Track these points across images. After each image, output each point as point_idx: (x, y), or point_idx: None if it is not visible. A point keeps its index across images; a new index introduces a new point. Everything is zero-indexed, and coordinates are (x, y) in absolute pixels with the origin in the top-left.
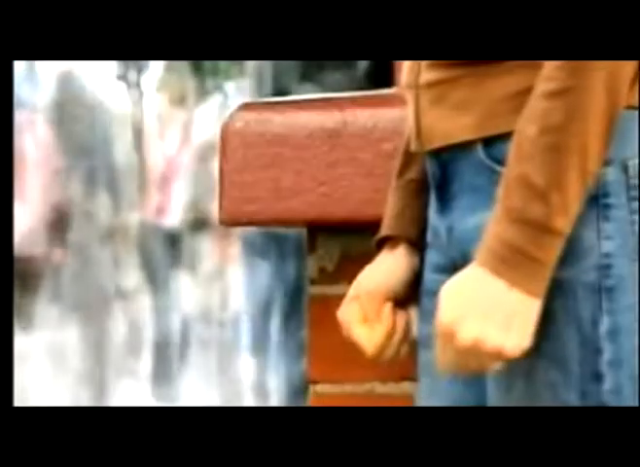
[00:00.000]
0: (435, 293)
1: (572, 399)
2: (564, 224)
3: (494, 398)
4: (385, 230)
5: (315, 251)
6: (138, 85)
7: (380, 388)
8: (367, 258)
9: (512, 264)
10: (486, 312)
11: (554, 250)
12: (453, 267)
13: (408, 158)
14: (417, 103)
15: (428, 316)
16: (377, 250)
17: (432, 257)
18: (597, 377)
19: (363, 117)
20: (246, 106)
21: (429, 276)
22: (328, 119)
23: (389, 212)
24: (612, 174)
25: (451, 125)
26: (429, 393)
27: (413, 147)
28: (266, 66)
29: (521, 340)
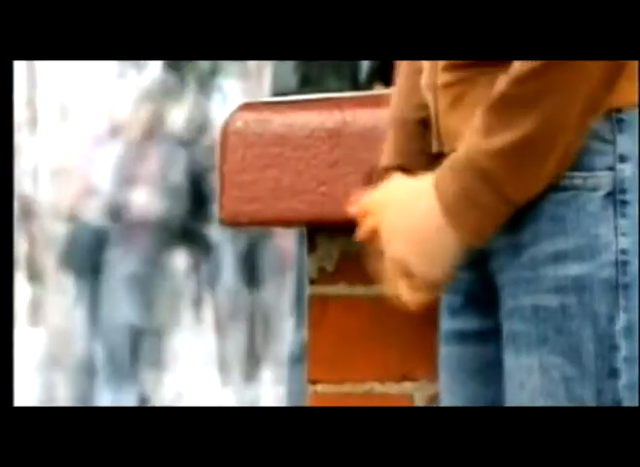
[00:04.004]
0: (454, 289)
1: (587, 395)
2: (520, 199)
3: (509, 393)
4: (393, 159)
5: (315, 251)
6: (138, 85)
7: (380, 388)
8: (367, 258)
9: (459, 211)
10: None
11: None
12: (473, 262)
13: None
14: (436, 104)
15: (449, 312)
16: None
17: None
18: (613, 374)
19: (363, 117)
20: (246, 106)
21: None
22: (328, 119)
23: (393, 145)
24: (628, 171)
25: (469, 126)
26: (447, 391)
27: (434, 149)
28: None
29: (438, 270)
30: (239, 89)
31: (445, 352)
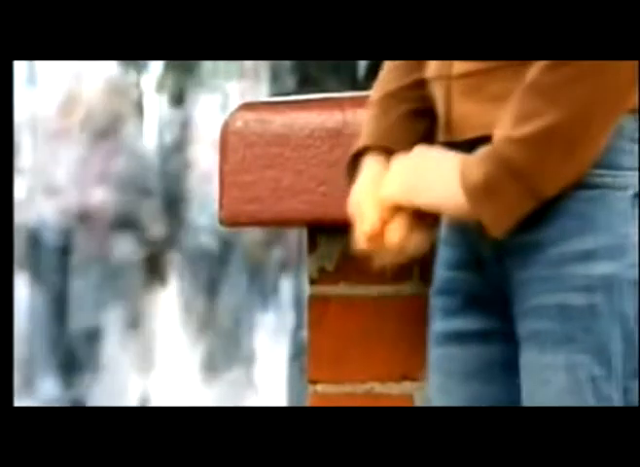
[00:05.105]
0: (450, 290)
1: (614, 394)
2: (546, 191)
3: (530, 390)
4: (378, 139)
5: (315, 251)
6: (138, 85)
7: (380, 388)
8: (367, 258)
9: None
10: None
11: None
12: (476, 262)
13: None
14: (449, 94)
15: (443, 314)
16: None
17: (446, 253)
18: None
19: (363, 117)
20: (246, 106)
21: (442, 274)
22: (328, 119)
23: (376, 123)
24: None
25: (489, 117)
26: (441, 391)
27: (442, 138)
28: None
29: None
30: (238, 88)
31: (440, 353)
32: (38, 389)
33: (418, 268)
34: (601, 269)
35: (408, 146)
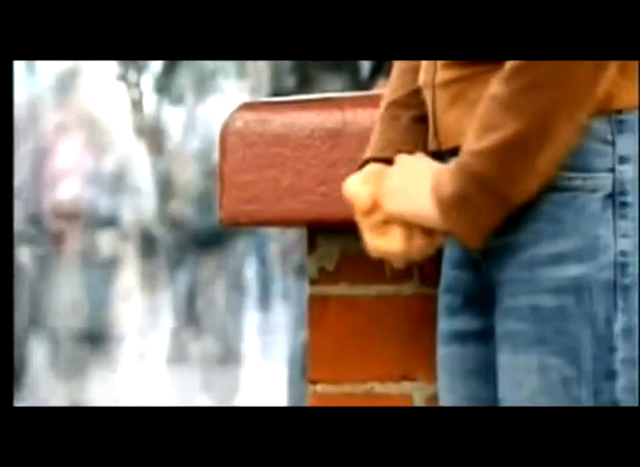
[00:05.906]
0: (453, 289)
1: (585, 396)
2: (516, 197)
3: (505, 393)
4: (380, 151)
5: (315, 251)
6: (138, 85)
7: (380, 388)
8: (367, 258)
9: (454, 211)
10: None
11: (498, 213)
12: (473, 262)
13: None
14: (434, 102)
15: (448, 313)
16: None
17: (451, 252)
18: (611, 375)
19: (363, 117)
20: (246, 106)
21: (448, 272)
22: (328, 119)
23: (384, 137)
24: (629, 172)
25: (468, 124)
26: (447, 390)
27: (430, 147)
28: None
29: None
30: (238, 88)
31: (445, 353)
32: (30, 390)
33: (418, 268)
34: (572, 271)
35: (414, 151)
